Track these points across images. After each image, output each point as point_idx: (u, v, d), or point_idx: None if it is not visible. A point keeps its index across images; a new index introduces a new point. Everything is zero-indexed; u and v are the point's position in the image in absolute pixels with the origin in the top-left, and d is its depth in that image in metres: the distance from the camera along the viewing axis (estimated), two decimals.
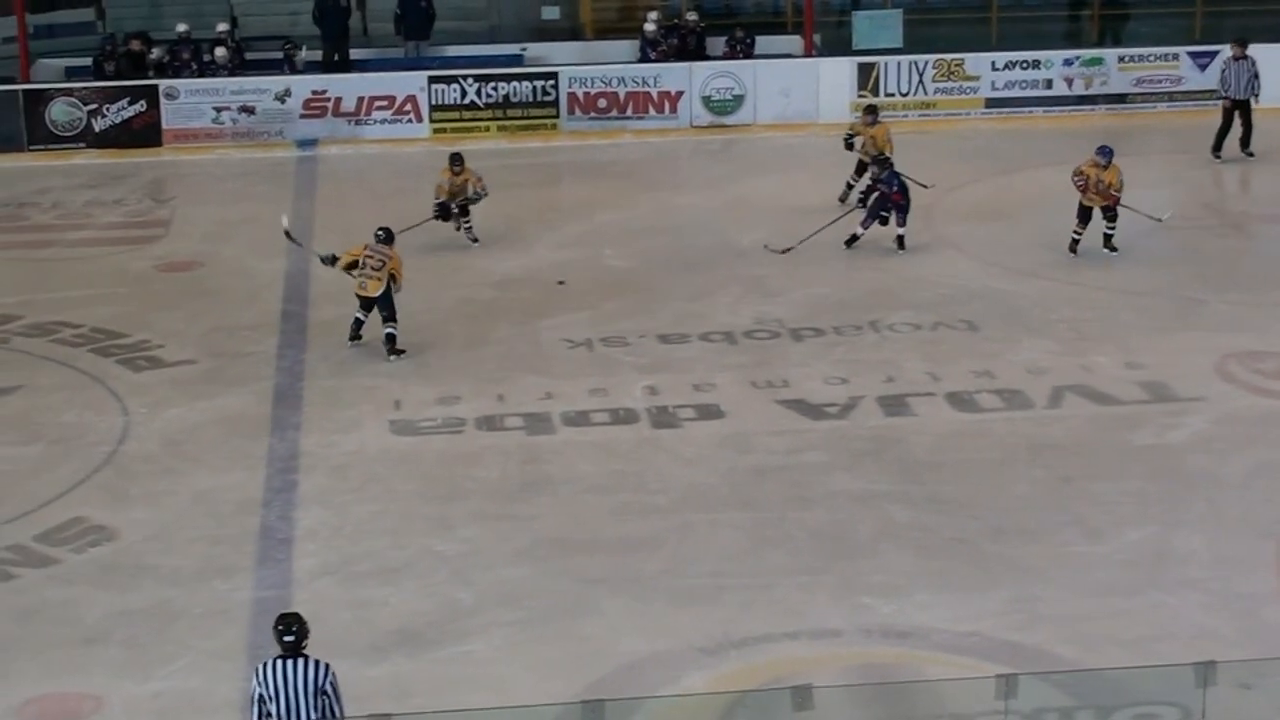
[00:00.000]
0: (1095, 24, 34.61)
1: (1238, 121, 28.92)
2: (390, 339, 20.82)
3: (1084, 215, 23.69)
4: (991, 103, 31.60)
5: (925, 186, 24.96)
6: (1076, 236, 23.72)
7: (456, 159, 24.74)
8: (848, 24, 32.75)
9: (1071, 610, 15.36)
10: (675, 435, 18.89)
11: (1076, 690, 13.02)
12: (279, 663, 12.13)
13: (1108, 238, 23.60)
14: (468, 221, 24.78)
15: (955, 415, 19.31)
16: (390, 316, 20.82)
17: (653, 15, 31.99)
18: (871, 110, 26.41)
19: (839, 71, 31.53)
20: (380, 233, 21.06)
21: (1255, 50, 29.64)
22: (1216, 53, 31.41)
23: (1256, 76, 29.10)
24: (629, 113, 30.93)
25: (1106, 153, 23.56)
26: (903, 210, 23.91)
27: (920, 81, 31.50)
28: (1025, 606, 15.43)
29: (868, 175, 24.96)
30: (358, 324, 21.05)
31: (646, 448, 18.62)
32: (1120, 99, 31.76)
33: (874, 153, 25.47)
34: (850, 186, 26.10)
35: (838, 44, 32.53)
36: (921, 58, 31.64)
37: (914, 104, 31.10)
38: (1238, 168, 29.24)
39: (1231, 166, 29.11)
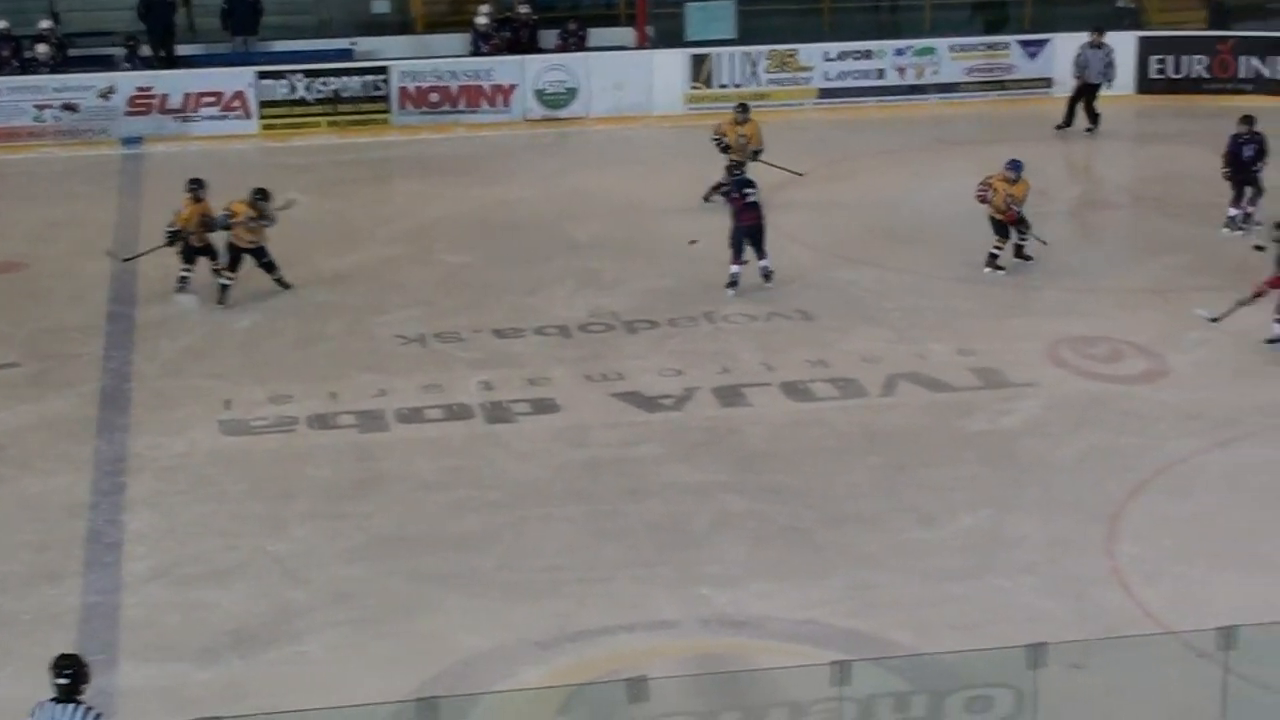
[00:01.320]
0: (927, 14, 34.76)
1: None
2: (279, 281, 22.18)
3: (1000, 229, 23.12)
4: (825, 93, 31.71)
5: (798, 174, 24.85)
6: (996, 251, 23.04)
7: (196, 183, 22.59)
8: (680, 16, 32.69)
9: (907, 596, 15.44)
10: (510, 430, 18.77)
11: (911, 675, 13.07)
12: (51, 706, 11.70)
13: (1019, 248, 23.25)
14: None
15: (790, 405, 19.31)
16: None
17: (484, 9, 31.80)
18: (742, 107, 26.27)
19: (672, 63, 31.53)
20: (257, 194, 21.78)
21: (1076, 38, 30.20)
22: (1046, 41, 31.76)
23: (1112, 64, 29.57)
24: (461, 107, 30.74)
25: (1017, 166, 23.03)
26: (756, 234, 22.32)
27: (753, 73, 31.54)
28: (861, 593, 15.49)
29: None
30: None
31: (481, 443, 18.49)
32: (952, 88, 31.96)
33: (754, 149, 25.42)
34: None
35: (670, 36, 32.48)
36: (754, 49, 31.69)
37: (747, 95, 31.02)
38: (1071, 155, 29.59)
39: (1065, 153, 29.45)
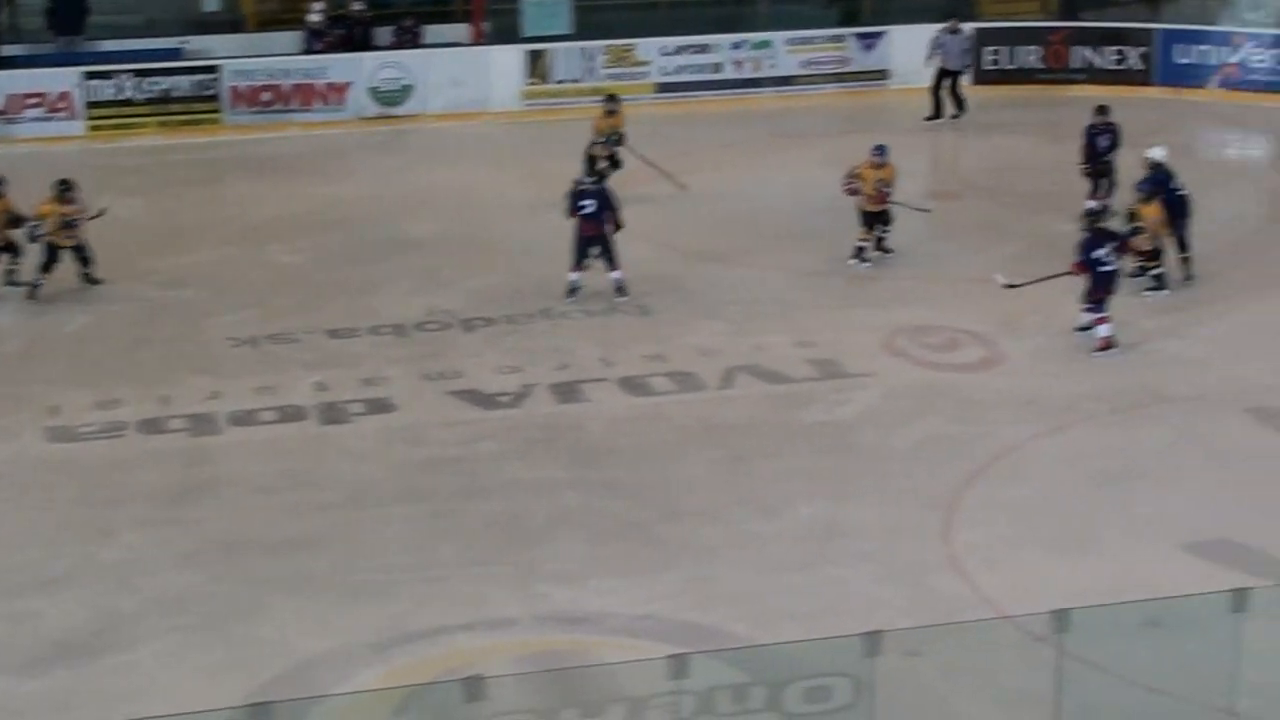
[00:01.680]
0: (764, 7, 34.80)
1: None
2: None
3: (869, 221, 23.07)
4: (662, 87, 31.68)
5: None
6: (863, 244, 23.00)
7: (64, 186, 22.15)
8: (517, 11, 32.54)
9: (746, 588, 15.42)
10: (345, 430, 18.57)
11: (750, 667, 12.97)
12: None
13: (880, 240, 23.27)
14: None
15: (628, 400, 19.25)
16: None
17: (317, 6, 31.49)
18: (612, 98, 26.10)
19: (508, 59, 31.39)
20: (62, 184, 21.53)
21: (913, 30, 30.41)
22: (883, 34, 31.91)
23: (969, 50, 29.80)
24: (294, 105, 30.42)
25: (882, 150, 23.00)
26: (599, 244, 21.62)
27: (591, 68, 31.46)
28: (700, 586, 15.45)
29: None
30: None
31: (316, 444, 18.28)
32: (789, 81, 32.02)
33: (613, 137, 25.40)
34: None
35: (507, 32, 32.32)
36: (591, 44, 31.60)
37: (585, 90, 31.02)
38: (907, 146, 29.64)
39: (901, 144, 29.50)
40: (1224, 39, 31.69)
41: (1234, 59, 31.27)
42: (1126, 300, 21.10)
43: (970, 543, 16.06)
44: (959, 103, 30.10)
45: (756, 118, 30.78)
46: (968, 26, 31.28)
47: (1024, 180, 26.64)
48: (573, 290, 21.77)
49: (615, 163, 25.46)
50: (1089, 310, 20.09)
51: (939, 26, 30.53)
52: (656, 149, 28.09)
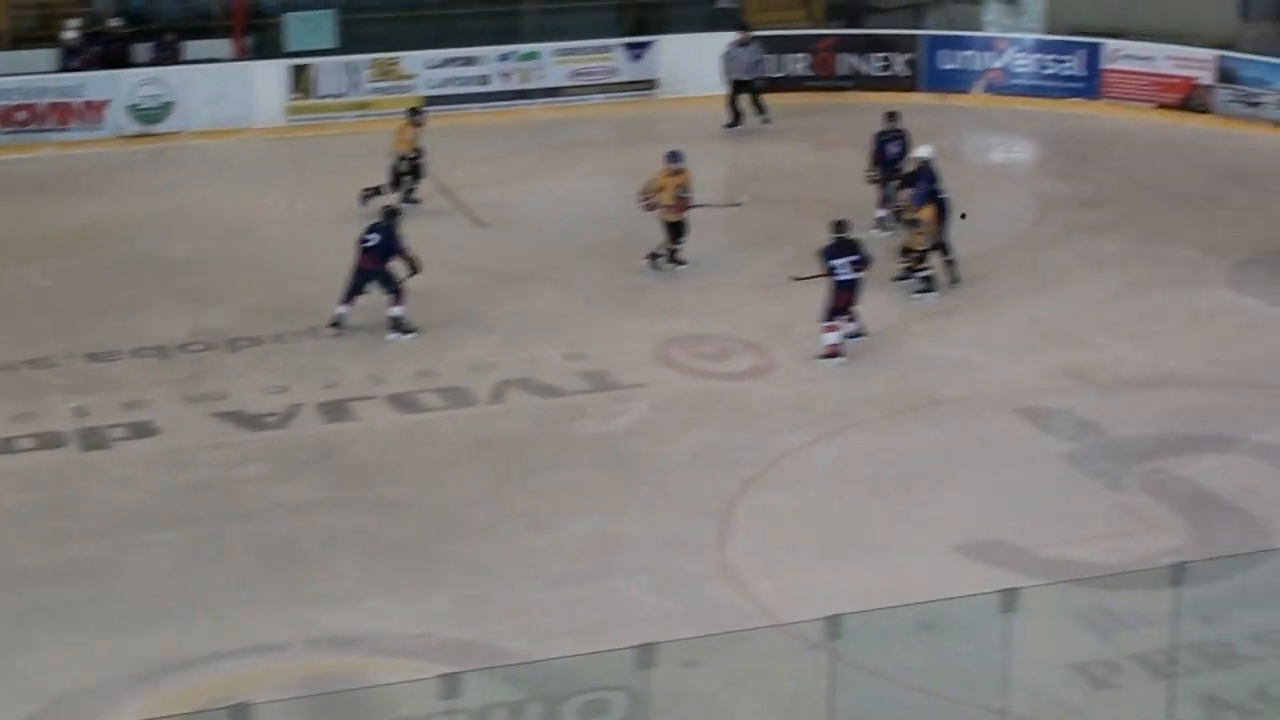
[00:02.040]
0: (531, 18, 34.61)
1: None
2: None
3: (672, 231, 22.95)
4: (430, 100, 31.35)
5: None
6: (660, 252, 22.91)
7: None
8: (279, 26, 32.06)
9: (521, 604, 15.31)
10: (107, 456, 18.14)
11: (526, 683, 12.87)
12: None
13: (673, 252, 23.10)
14: None
15: (398, 417, 19.03)
16: None
17: (73, 23, 30.79)
18: (414, 111, 25.77)
19: (271, 74, 30.89)
20: None
21: (681, 40, 30.44)
22: (650, 44, 31.88)
23: (761, 61, 29.83)
24: (50, 124, 29.66)
25: (676, 157, 22.88)
26: (377, 278, 21.05)
27: (356, 82, 31.11)
28: (474, 604, 15.31)
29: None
30: None
31: (77, 471, 17.84)
32: (556, 92, 31.90)
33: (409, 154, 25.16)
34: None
35: (270, 47, 31.83)
36: (356, 58, 31.24)
37: (350, 105, 30.68)
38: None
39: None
40: (987, 44, 32.12)
41: (998, 64, 31.70)
42: (897, 303, 21.26)
43: (745, 551, 16.06)
44: (760, 109, 30.13)
45: (527, 130, 30.60)
46: (731, 35, 31.38)
47: (791, 187, 26.70)
48: (337, 323, 21.10)
49: (417, 173, 25.23)
50: (827, 319, 20.12)
51: (730, 39, 30.48)
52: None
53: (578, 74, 32.13)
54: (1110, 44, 31.08)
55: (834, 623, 11.98)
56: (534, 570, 15.84)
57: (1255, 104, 29.16)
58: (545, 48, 32.12)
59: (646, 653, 11.71)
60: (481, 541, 16.37)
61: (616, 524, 16.68)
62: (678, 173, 22.82)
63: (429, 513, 16.93)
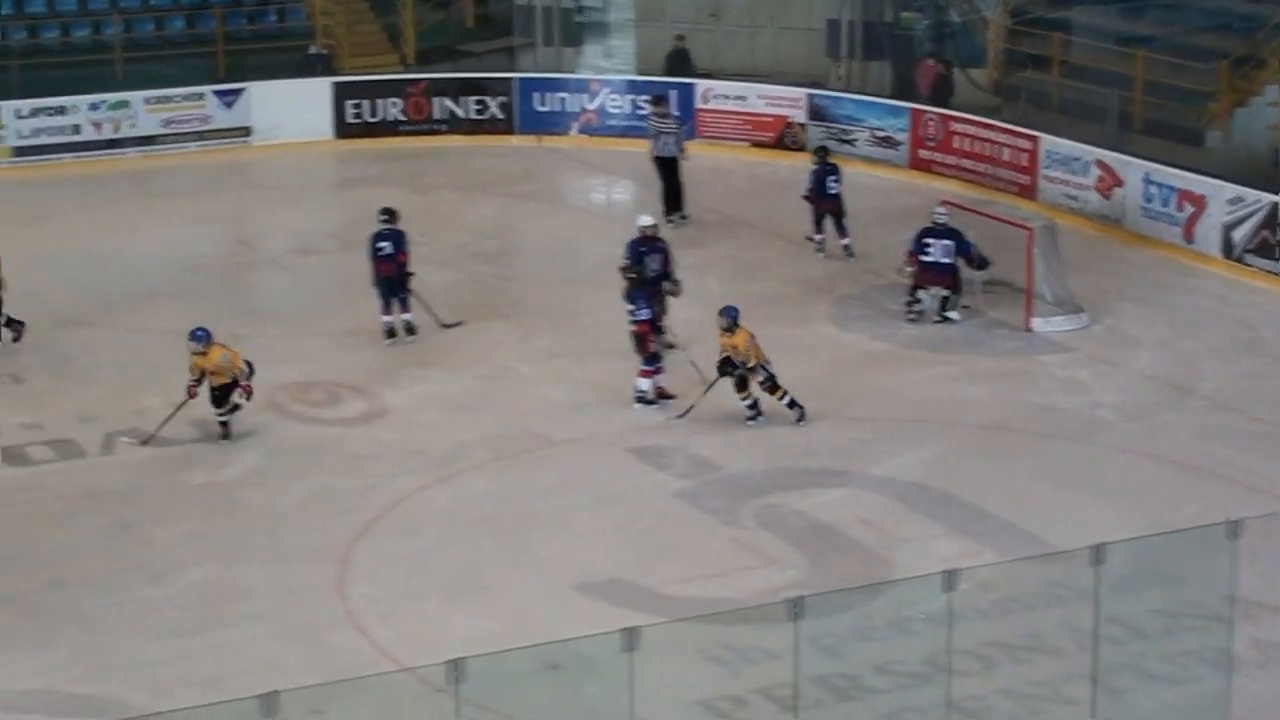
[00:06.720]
0: (119, 66, 34.11)
1: None
2: None
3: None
4: (19, 151, 30.79)
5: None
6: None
7: None
8: None
9: (140, 656, 15.24)
10: None
11: None
12: None
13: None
14: None
15: (6, 471, 18.82)
16: None
17: None
18: None
19: None
20: None
21: (273, 86, 30.44)
22: (242, 90, 31.71)
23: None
24: None
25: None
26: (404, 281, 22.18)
27: None
28: (92, 657, 15.21)
29: None
30: None
31: None
32: (149, 140, 31.52)
33: None
34: None
35: None
36: None
37: None
38: (269, 203, 29.66)
39: (264, 202, 29.60)
40: (582, 86, 32.60)
41: (592, 105, 32.21)
42: (507, 345, 21.60)
43: (366, 596, 16.20)
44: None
45: (120, 178, 30.19)
46: (322, 80, 31.39)
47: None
48: (391, 332, 22.13)
49: None
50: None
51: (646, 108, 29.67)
52: (13, 213, 27.40)
53: (170, 122, 31.78)
54: (703, 84, 31.74)
55: (457, 665, 12.10)
56: (150, 621, 15.80)
57: (848, 141, 30.11)
58: (135, 96, 31.71)
59: (270, 701, 11.71)
60: (95, 594, 16.27)
61: (232, 573, 16.69)
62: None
63: (40, 566, 16.77)
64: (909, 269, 22.86)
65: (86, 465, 18.92)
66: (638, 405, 20.15)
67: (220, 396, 19.30)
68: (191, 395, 19.26)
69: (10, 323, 22.00)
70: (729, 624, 14.45)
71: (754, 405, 19.71)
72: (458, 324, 22.69)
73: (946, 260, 22.61)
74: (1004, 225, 23.36)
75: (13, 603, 16.06)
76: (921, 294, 22.79)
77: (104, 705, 14.25)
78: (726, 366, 19.65)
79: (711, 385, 19.84)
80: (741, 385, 19.68)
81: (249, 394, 19.37)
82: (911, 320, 22.76)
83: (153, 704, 13.98)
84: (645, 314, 20.20)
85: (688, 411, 19.91)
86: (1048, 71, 30.25)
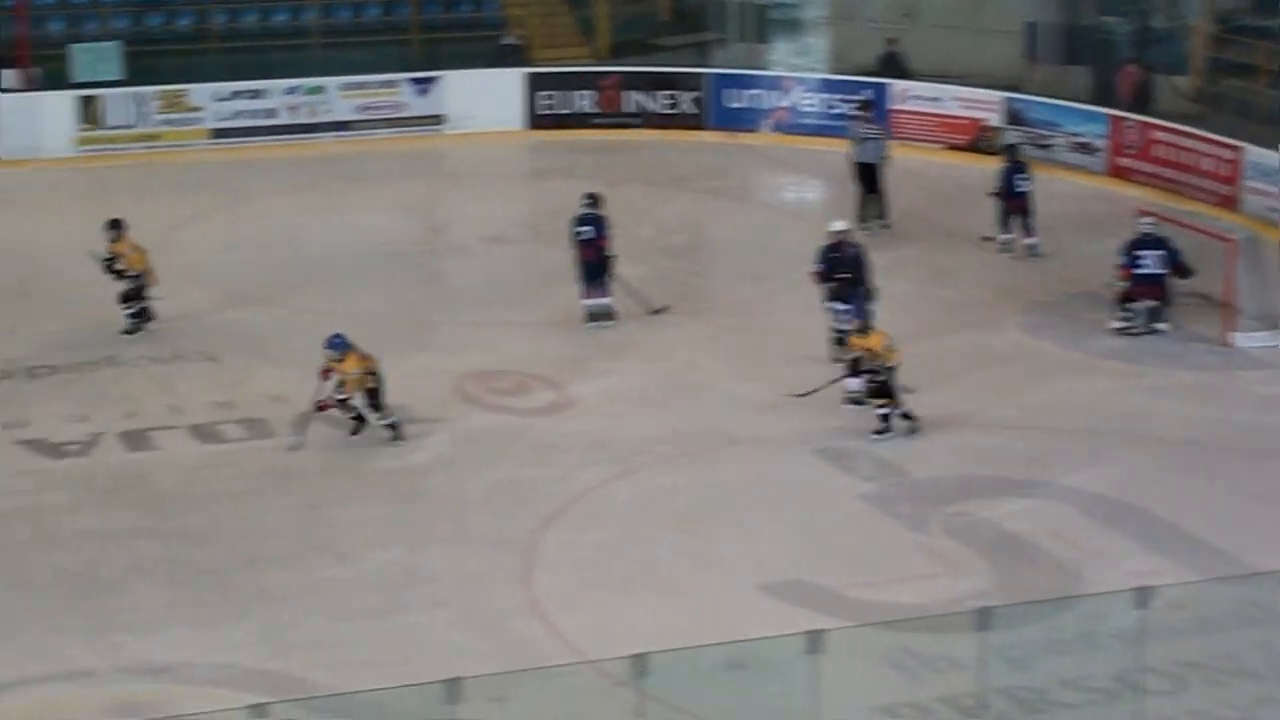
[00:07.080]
0: (316, 51, 34.54)
1: None
2: None
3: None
4: (217, 133, 31.27)
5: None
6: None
7: None
8: (66, 57, 31.72)
9: (324, 636, 15.40)
10: None
11: (332, 715, 12.99)
12: None
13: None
14: None
15: (200, 447, 19.10)
16: None
17: None
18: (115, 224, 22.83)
19: (59, 105, 30.60)
20: None
21: (466, 75, 30.69)
22: (437, 79, 31.98)
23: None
24: None
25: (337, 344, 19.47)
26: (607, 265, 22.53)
27: (144, 113, 30.90)
28: (278, 634, 15.41)
29: None
30: None
31: None
32: (344, 125, 31.88)
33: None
34: None
35: (57, 77, 31.48)
36: (144, 89, 31.03)
37: (139, 136, 30.50)
38: (465, 191, 29.90)
39: (459, 190, 29.81)
40: (774, 83, 32.51)
41: (784, 103, 32.12)
42: (689, 341, 21.56)
43: (549, 587, 16.24)
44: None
45: (313, 163, 30.55)
46: (515, 71, 31.54)
47: None
48: (594, 315, 22.39)
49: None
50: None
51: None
52: (211, 194, 27.82)
53: (364, 108, 32.13)
54: (898, 85, 31.45)
55: (640, 660, 12.14)
56: (335, 602, 15.94)
57: (1045, 146, 29.72)
58: (331, 81, 32.09)
59: (454, 687, 11.83)
60: (284, 572, 16.47)
61: (417, 558, 16.83)
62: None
63: (232, 543, 17.00)
64: (1121, 283, 22.44)
65: (277, 445, 19.11)
66: (848, 406, 19.69)
67: (374, 402, 19.25)
68: (323, 408, 19.05)
69: (142, 312, 22.14)
70: (913, 631, 14.35)
71: (885, 418, 19.30)
72: (664, 309, 22.74)
73: (1159, 271, 22.25)
74: (1202, 236, 22.97)
75: (209, 578, 16.33)
76: (1134, 306, 22.44)
77: (287, 684, 14.38)
78: (857, 368, 19.38)
79: (834, 382, 19.65)
80: (881, 392, 19.37)
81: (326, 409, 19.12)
82: (1125, 333, 22.28)
83: (335, 684, 14.20)
84: (852, 317, 20.12)
85: (808, 394, 19.77)
86: (1254, 80, 29.79)
